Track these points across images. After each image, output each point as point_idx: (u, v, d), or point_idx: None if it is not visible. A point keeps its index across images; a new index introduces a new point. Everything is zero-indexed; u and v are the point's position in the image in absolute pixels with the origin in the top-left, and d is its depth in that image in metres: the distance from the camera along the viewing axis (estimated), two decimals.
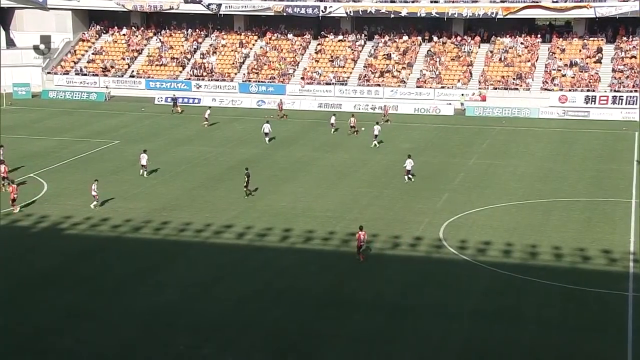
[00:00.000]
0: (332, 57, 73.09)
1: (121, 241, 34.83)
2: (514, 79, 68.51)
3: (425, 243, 34.57)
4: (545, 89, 66.95)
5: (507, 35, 73.27)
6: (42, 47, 68.48)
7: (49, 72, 73.45)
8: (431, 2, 72.69)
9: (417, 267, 32.27)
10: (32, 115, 62.99)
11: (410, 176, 44.12)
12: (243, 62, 73.85)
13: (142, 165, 44.47)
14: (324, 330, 26.60)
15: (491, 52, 72.06)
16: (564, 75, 67.89)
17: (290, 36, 76.13)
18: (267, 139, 53.72)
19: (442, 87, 68.61)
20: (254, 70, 72.44)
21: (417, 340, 25.89)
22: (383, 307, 28.33)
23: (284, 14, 73.86)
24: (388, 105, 63.40)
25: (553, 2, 70.50)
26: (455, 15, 72.21)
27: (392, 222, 37.09)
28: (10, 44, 76.83)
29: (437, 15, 72.10)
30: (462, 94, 66.75)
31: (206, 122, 58.22)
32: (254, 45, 76.10)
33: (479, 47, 73.10)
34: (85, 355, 24.88)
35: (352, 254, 33.10)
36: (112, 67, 73.94)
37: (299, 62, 73.41)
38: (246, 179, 40.69)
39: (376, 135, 53.39)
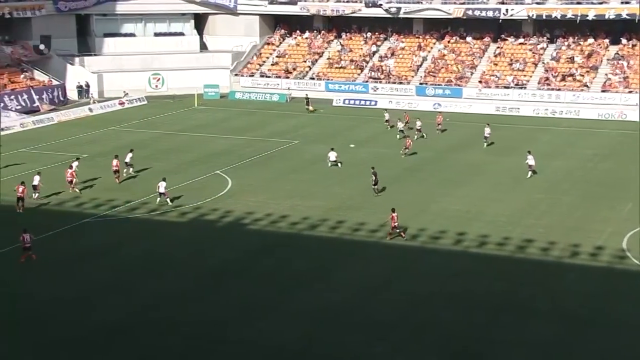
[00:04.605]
0: (511, 60, 71.67)
1: (299, 238, 35.79)
2: None
3: (607, 253, 33.28)
4: None
5: None
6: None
7: (236, 74, 77.13)
8: (621, 2, 69.37)
9: (597, 278, 31.18)
10: (220, 114, 66.15)
11: (532, 172, 44.94)
12: (420, 65, 73.98)
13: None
14: (497, 335, 26.33)
15: None
16: None
17: (469, 39, 75.40)
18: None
19: (630, 92, 65.39)
20: (431, 73, 72.42)
21: (597, 353, 25.08)
22: (560, 316, 27.63)
23: (464, 17, 73.26)
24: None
25: None
26: None
27: (571, 230, 35.99)
28: (203, 47, 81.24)
29: (628, 17, 68.69)
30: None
31: None
32: (432, 48, 76.05)
33: None
34: (263, 347, 25.60)
35: (528, 261, 32.66)
36: (294, 69, 76.45)
37: (477, 65, 72.59)
38: (374, 178, 41.33)
39: (486, 137, 52.95)
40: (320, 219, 37.84)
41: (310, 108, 66.74)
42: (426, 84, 71.23)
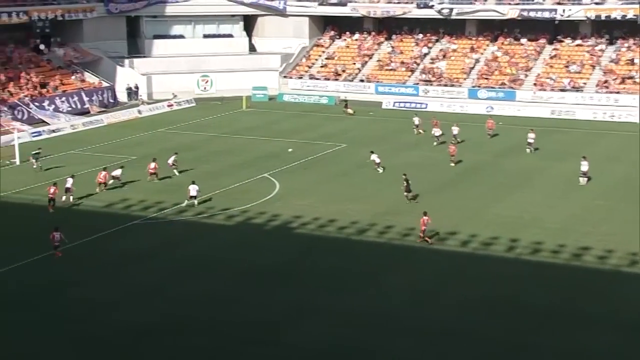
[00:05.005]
0: (568, 62, 69.83)
1: (348, 243, 35.36)
2: None
3: None
4: None
5: None
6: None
7: (285, 76, 76.67)
8: None
9: None
10: (268, 117, 65.72)
11: (585, 178, 43.23)
12: (473, 67, 72.63)
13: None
14: (551, 344, 25.66)
15: None
16: None
17: (523, 41, 73.76)
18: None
19: None
20: (484, 75, 71.03)
21: None
22: (617, 326, 26.75)
23: (519, 18, 71.65)
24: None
25: None
26: None
27: (630, 238, 34.61)
28: (252, 49, 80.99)
29: None
30: None
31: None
32: (485, 50, 74.61)
33: None
34: (309, 349, 25.42)
35: (584, 269, 31.78)
36: (343, 71, 75.71)
37: (531, 68, 70.94)
38: (405, 184, 40.30)
39: (530, 143, 51.30)
40: (368, 224, 37.36)
41: (349, 111, 65.96)
42: (479, 86, 69.85)
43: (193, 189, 40.07)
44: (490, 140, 55.52)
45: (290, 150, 50.87)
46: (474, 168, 47.88)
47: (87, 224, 37.35)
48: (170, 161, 46.03)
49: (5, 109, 60.67)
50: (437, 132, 54.03)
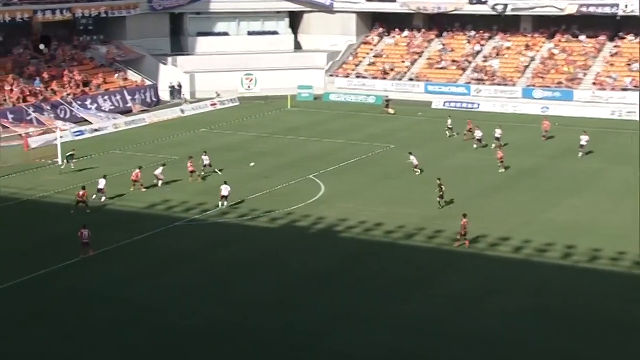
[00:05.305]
0: (630, 60, 66.90)
1: (395, 247, 34.42)
2: None
3: None
4: None
5: None
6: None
7: (331, 75, 75.05)
8: None
9: None
10: (314, 117, 64.47)
11: None
12: (528, 66, 70.13)
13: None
14: (607, 357, 24.54)
15: None
16: None
17: (582, 38, 70.99)
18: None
19: None
20: (539, 74, 68.47)
21: None
22: None
23: (577, 14, 68.98)
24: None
25: None
26: None
27: None
28: (298, 47, 79.65)
29: None
30: None
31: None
32: (541, 48, 72.00)
33: None
34: (354, 357, 24.91)
35: None
36: (391, 70, 73.87)
37: (590, 66, 68.12)
38: (441, 189, 38.67)
39: (582, 146, 48.96)
40: (416, 228, 36.23)
41: (390, 111, 64.27)
42: (534, 86, 67.42)
43: (225, 189, 39.41)
44: (545, 142, 53.54)
45: (252, 164, 48.20)
46: (529, 171, 46.15)
47: (129, 225, 37.03)
48: (205, 160, 45.31)
49: (49, 107, 60.43)
50: (478, 134, 52.02)
